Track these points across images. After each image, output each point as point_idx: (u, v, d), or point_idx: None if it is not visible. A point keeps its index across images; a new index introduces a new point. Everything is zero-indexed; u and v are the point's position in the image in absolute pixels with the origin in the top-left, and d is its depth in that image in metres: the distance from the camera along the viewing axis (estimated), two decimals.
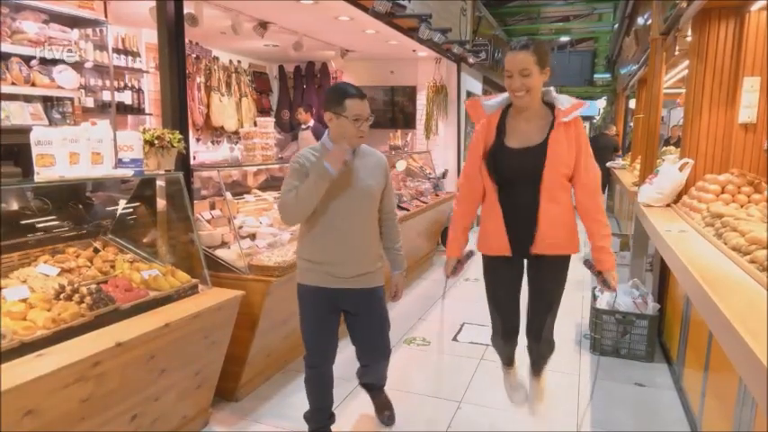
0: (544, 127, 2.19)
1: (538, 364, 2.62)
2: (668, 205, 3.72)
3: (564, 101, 2.19)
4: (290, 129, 7.68)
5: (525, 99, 2.14)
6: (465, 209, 2.44)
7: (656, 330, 3.77)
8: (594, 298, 4.03)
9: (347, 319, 2.50)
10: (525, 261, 2.38)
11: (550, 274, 2.36)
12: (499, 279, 2.43)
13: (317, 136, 6.09)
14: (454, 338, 4.16)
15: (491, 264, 2.42)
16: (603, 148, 9.67)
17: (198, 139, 6.34)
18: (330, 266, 2.35)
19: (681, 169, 3.65)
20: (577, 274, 6.67)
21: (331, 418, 2.63)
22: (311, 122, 6.83)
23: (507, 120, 2.26)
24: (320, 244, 2.35)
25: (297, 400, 3.00)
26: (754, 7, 3.27)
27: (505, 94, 2.26)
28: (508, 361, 2.69)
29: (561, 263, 2.35)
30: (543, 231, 2.21)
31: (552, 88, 2.27)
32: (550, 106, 2.23)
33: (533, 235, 2.23)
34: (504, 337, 2.51)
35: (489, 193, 2.29)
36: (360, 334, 2.51)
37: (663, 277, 4.01)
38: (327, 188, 2.23)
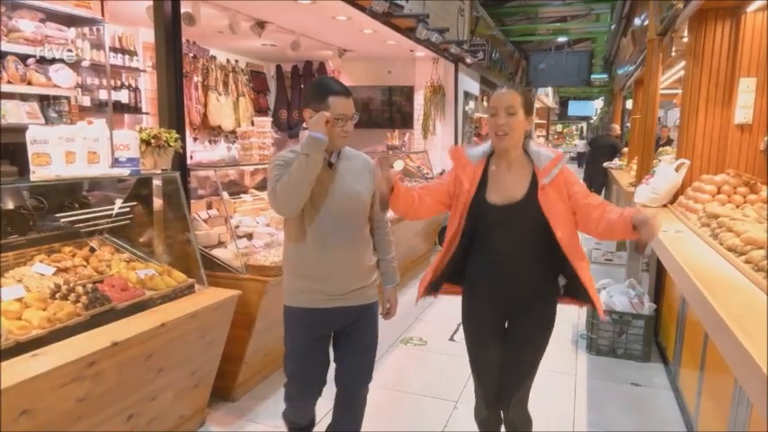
0: (525, 179, 2.05)
1: None
2: (665, 206, 3.73)
3: (542, 157, 2.04)
4: (287, 128, 7.66)
5: (506, 140, 1.98)
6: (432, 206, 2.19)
7: (653, 330, 3.79)
8: None
9: (335, 337, 2.27)
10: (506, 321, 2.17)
11: (536, 335, 2.14)
12: (476, 326, 2.19)
13: None
14: (451, 338, 4.17)
15: (466, 305, 2.20)
16: (602, 147, 9.69)
17: (195, 139, 6.31)
18: (320, 281, 2.13)
19: (677, 170, 3.66)
20: None
21: (311, 425, 2.46)
22: None
23: (489, 171, 2.11)
24: (307, 256, 2.12)
25: None
26: (751, 8, 3.29)
27: (489, 143, 2.12)
28: None
29: (548, 319, 2.15)
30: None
31: (531, 140, 2.13)
32: (530, 156, 2.09)
33: (526, 291, 2.08)
34: (486, 403, 2.22)
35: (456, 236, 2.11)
36: (346, 353, 2.26)
37: (659, 277, 4.03)
38: (311, 194, 2.04)
